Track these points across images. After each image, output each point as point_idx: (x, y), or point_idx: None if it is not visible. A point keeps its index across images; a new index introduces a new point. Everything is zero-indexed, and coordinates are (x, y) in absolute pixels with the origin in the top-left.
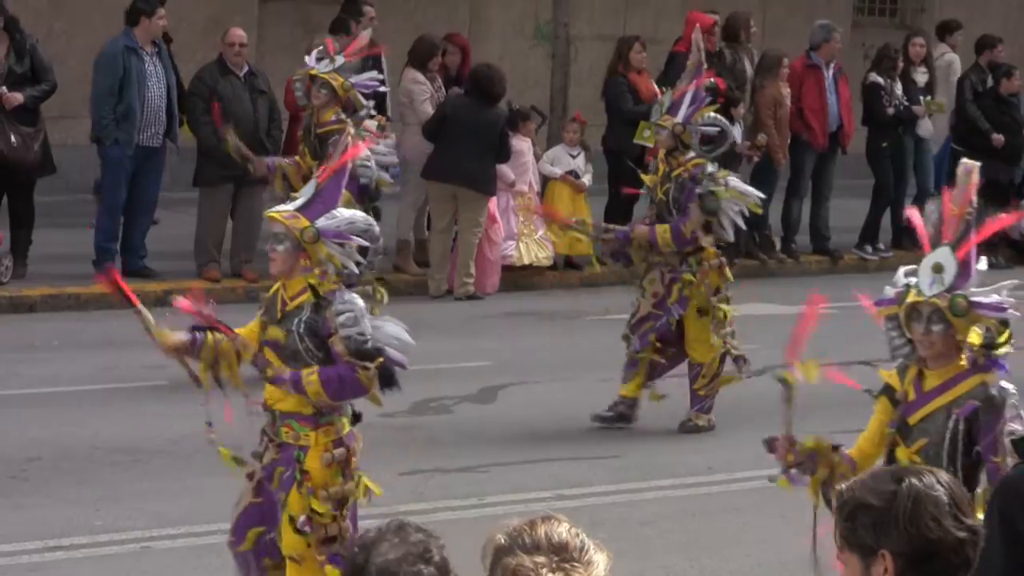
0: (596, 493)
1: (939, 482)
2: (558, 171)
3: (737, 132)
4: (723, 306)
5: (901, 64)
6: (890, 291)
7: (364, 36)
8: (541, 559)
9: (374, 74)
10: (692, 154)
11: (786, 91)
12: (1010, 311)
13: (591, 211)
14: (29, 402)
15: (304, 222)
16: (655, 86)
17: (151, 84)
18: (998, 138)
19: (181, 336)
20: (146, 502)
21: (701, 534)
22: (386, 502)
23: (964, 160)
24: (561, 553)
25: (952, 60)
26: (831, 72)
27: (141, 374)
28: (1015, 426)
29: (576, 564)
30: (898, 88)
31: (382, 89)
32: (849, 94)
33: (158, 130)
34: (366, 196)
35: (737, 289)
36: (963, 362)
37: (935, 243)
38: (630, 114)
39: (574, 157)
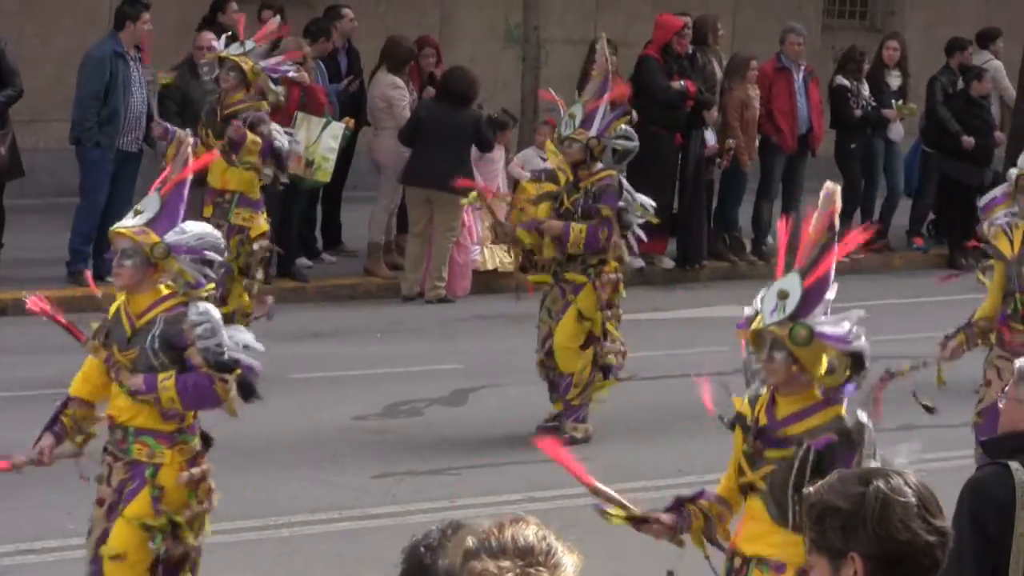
0: (568, 495)
1: (907, 484)
2: (526, 174)
3: (709, 136)
4: (611, 325)
5: (867, 66)
6: (748, 311)
7: (273, 22)
8: (506, 563)
9: (282, 59)
10: (600, 166)
11: (754, 93)
12: (855, 343)
13: None
14: (1, 406)
15: (154, 238)
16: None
17: (134, 89)
18: (968, 140)
19: (45, 441)
20: None
21: (626, 547)
22: (359, 504)
23: (827, 184)
24: (527, 557)
25: (998, 67)
26: (801, 75)
27: None
28: (873, 463)
29: (542, 568)
30: (865, 90)
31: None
32: (819, 97)
33: (138, 135)
34: (276, 160)
35: (707, 291)
36: (816, 392)
37: (788, 267)
38: None
39: (544, 160)
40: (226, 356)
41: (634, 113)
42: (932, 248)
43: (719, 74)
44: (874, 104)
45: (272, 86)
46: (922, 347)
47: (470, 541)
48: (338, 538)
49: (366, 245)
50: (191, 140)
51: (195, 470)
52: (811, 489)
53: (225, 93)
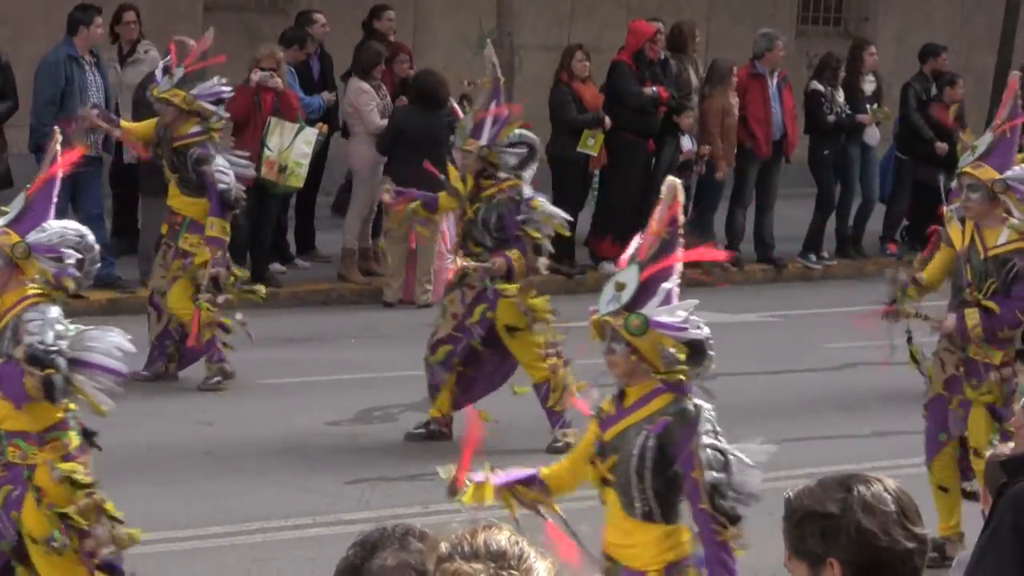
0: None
1: (887, 491)
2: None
3: (686, 141)
4: (538, 330)
5: (843, 73)
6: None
7: (205, 39)
8: (479, 566)
9: (214, 81)
10: (504, 175)
11: (734, 100)
12: (693, 331)
13: None
14: None
15: (14, 237)
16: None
17: (91, 93)
18: (942, 146)
19: None
20: None
21: None
22: (332, 510)
23: (669, 178)
24: (499, 560)
25: None
26: (775, 81)
27: None
28: (710, 440)
29: (515, 572)
30: (840, 96)
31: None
32: (793, 102)
33: (97, 139)
34: (225, 204)
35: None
36: (656, 379)
37: (630, 259)
38: (574, 123)
39: None
40: (42, 352)
41: (607, 120)
42: (905, 254)
43: (695, 81)
44: (849, 112)
45: (212, 108)
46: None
47: (443, 546)
48: (311, 544)
49: (340, 251)
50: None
51: (64, 466)
52: (791, 494)
53: (170, 126)
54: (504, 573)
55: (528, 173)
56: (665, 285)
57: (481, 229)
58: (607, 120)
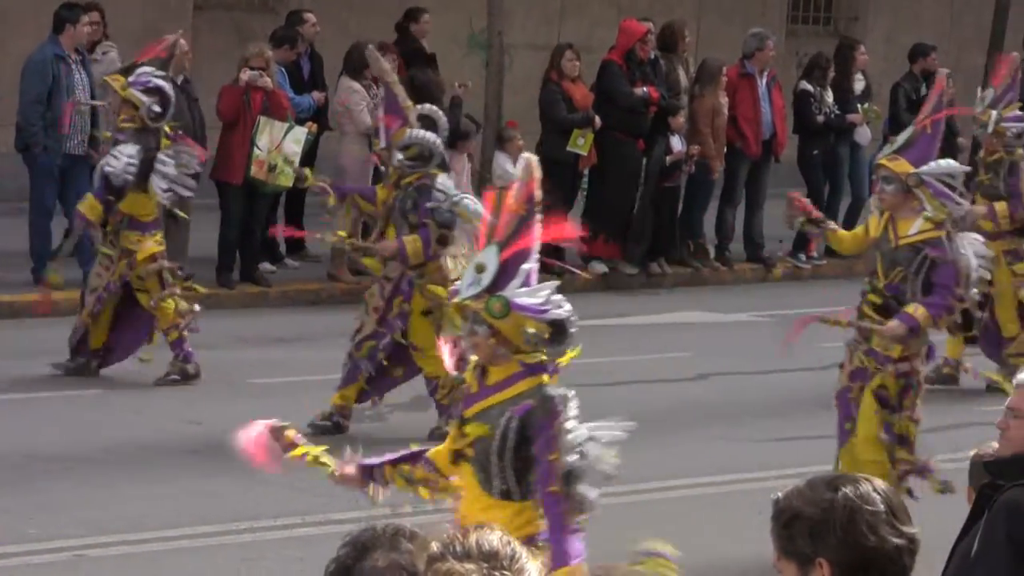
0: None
1: (875, 490)
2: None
3: (676, 142)
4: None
5: (832, 73)
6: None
7: (169, 39)
8: (471, 566)
9: (147, 70)
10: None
11: (724, 100)
12: (554, 311)
13: None
14: None
15: None
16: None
17: (78, 92)
18: None
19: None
20: (80, 510)
21: (632, 542)
22: (322, 510)
23: (524, 155)
24: (491, 560)
25: None
26: (764, 80)
27: (75, 382)
28: (572, 424)
29: (506, 572)
30: (829, 96)
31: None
32: (782, 102)
33: (83, 138)
34: (108, 186)
35: (671, 297)
36: (520, 361)
37: (488, 239)
38: (563, 122)
39: (515, 166)
40: None
41: (597, 119)
42: None
43: (684, 81)
44: (838, 112)
45: (142, 98)
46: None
47: (435, 546)
48: (301, 543)
49: (330, 250)
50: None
51: None
52: (780, 495)
53: (116, 114)
54: (496, 573)
55: (433, 165)
56: (525, 266)
57: (399, 217)
58: (597, 120)
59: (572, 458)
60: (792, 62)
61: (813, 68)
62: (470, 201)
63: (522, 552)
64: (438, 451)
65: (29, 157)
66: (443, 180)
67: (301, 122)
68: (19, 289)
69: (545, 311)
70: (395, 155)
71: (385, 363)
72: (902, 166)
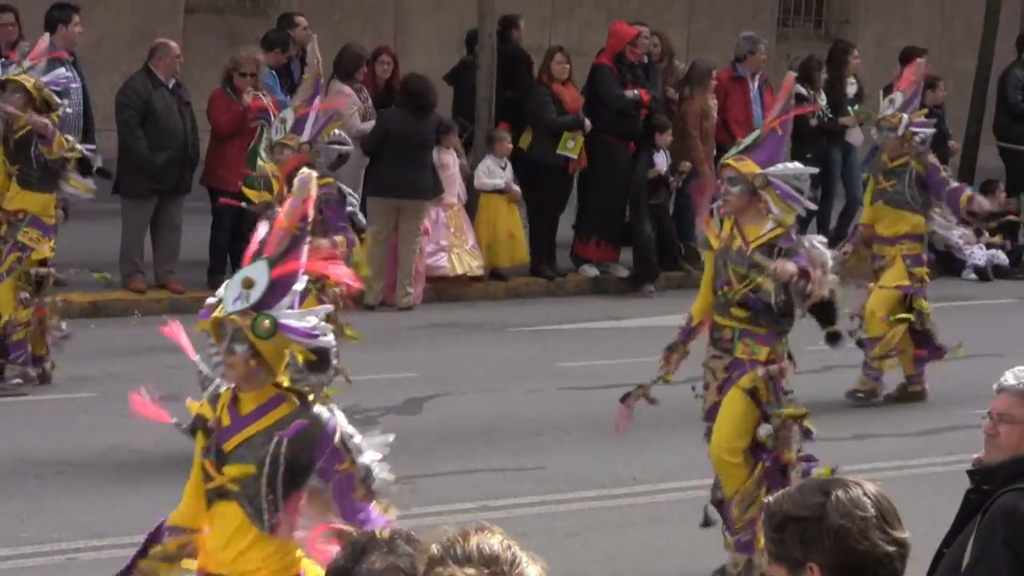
0: (521, 504)
1: (866, 494)
2: (500, 183)
3: (660, 159)
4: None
5: (825, 76)
6: (210, 301)
7: (45, 39)
8: (472, 571)
9: (62, 71)
10: (316, 174)
11: (713, 103)
12: (321, 339)
13: (523, 221)
14: None
15: None
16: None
17: (71, 92)
18: None
19: None
20: (71, 514)
21: (626, 545)
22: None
23: (303, 170)
24: (492, 566)
25: None
26: (756, 83)
27: (66, 386)
28: (351, 431)
29: None
30: (822, 100)
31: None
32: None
33: (76, 138)
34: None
35: (663, 300)
36: (275, 386)
37: (257, 255)
38: (553, 125)
39: (503, 168)
40: None
41: (587, 121)
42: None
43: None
44: (830, 116)
45: (57, 99)
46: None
47: (434, 548)
48: None
49: None
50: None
51: None
52: (771, 499)
53: (13, 116)
54: None
55: (338, 172)
56: (296, 286)
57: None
58: (587, 122)
59: (365, 459)
60: (783, 65)
61: (805, 71)
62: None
63: (522, 556)
64: (180, 512)
65: None
66: (344, 188)
67: None
68: None
69: (314, 336)
70: (321, 151)
71: None
72: (748, 166)
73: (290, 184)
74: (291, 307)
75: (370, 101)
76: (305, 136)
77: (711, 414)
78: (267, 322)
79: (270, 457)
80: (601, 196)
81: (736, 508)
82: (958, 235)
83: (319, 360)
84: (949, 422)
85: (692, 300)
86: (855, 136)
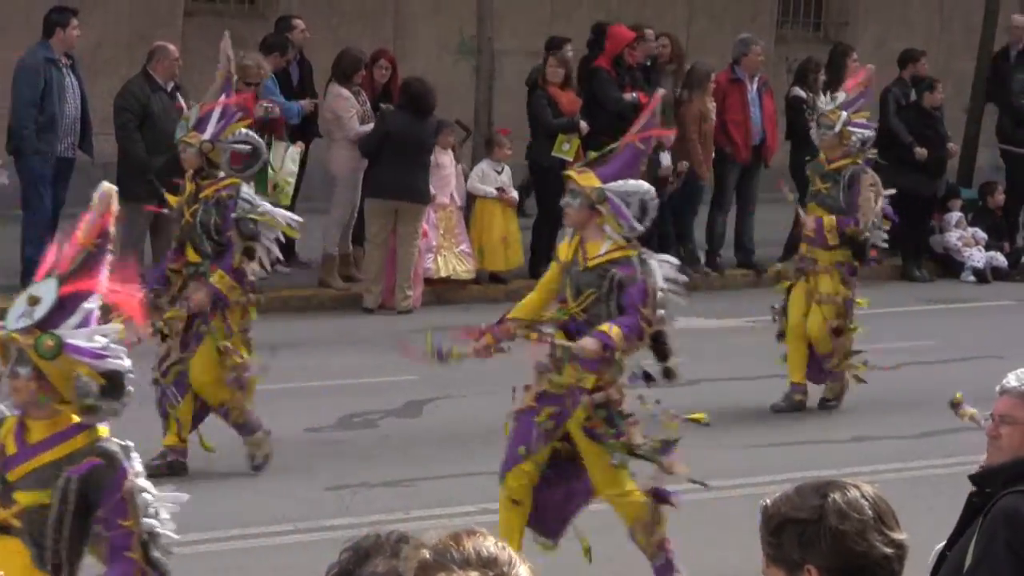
0: None
1: (864, 496)
2: (492, 190)
3: (664, 158)
4: (243, 349)
5: (824, 78)
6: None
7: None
8: (475, 574)
9: None
10: (222, 174)
11: (711, 106)
12: (112, 361)
13: (520, 225)
14: None
15: None
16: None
17: (68, 96)
18: (921, 152)
19: None
20: None
21: (623, 549)
22: (312, 516)
23: (103, 184)
24: (492, 567)
25: None
26: (755, 86)
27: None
28: (143, 483)
29: None
30: (821, 102)
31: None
32: (773, 107)
33: (74, 140)
34: None
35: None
36: (71, 414)
37: (48, 272)
38: (549, 127)
39: (499, 172)
40: None
41: (583, 124)
42: (885, 259)
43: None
44: None
45: None
46: (880, 357)
47: (426, 553)
48: (292, 550)
49: (320, 256)
50: None
51: None
52: (769, 501)
53: None
54: None
55: (248, 174)
56: (87, 305)
57: (200, 234)
58: (583, 124)
59: (148, 521)
60: (782, 67)
61: (804, 73)
62: (269, 206)
63: (516, 556)
64: None
65: (23, 162)
66: (247, 190)
67: (288, 127)
68: (7, 293)
69: (102, 358)
70: (224, 151)
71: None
72: (589, 180)
73: (196, 185)
74: (82, 326)
75: (368, 104)
76: (207, 135)
77: (521, 415)
78: (51, 341)
79: (59, 495)
80: None
81: (640, 536)
82: (956, 237)
83: (111, 384)
84: (948, 424)
85: (691, 304)
86: None
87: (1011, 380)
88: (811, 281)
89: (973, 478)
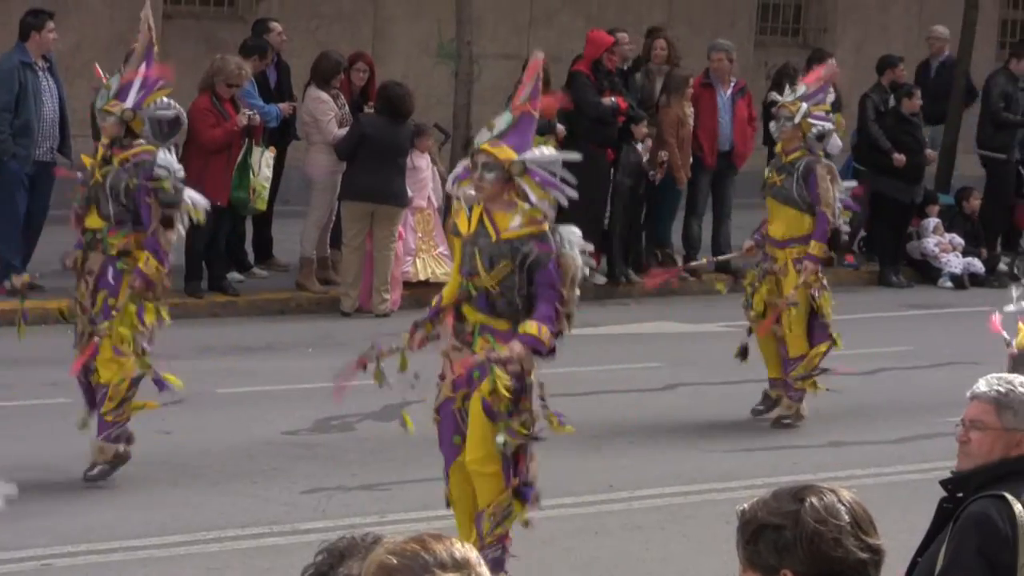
0: None
1: (840, 501)
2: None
3: (641, 149)
4: (143, 322)
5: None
6: None
7: None
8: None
9: None
10: (141, 141)
11: (690, 111)
12: None
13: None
14: None
15: None
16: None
17: (45, 99)
18: (899, 158)
19: None
20: (46, 520)
21: (602, 552)
22: (288, 520)
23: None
24: (466, 568)
25: None
26: (729, 91)
27: (38, 392)
28: None
29: None
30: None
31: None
32: (747, 113)
33: (52, 144)
34: None
35: (640, 307)
36: None
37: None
38: None
39: None
40: None
41: (561, 127)
42: (863, 265)
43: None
44: None
45: None
46: (857, 363)
47: (392, 559)
48: (268, 553)
49: (298, 259)
50: None
51: None
52: (745, 506)
53: None
54: None
55: (170, 142)
56: None
57: (107, 196)
58: (560, 128)
59: None
60: (761, 73)
61: (781, 78)
62: (192, 192)
63: (479, 556)
64: None
65: None
66: (164, 156)
67: (266, 131)
68: None
69: None
70: (146, 119)
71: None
72: (505, 152)
73: (110, 150)
74: None
75: (347, 108)
76: (128, 103)
77: (443, 408)
78: None
79: None
80: (580, 203)
81: (487, 522)
82: (933, 243)
83: None
84: (925, 430)
85: (669, 308)
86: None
87: (981, 385)
88: (773, 284)
89: (944, 484)
